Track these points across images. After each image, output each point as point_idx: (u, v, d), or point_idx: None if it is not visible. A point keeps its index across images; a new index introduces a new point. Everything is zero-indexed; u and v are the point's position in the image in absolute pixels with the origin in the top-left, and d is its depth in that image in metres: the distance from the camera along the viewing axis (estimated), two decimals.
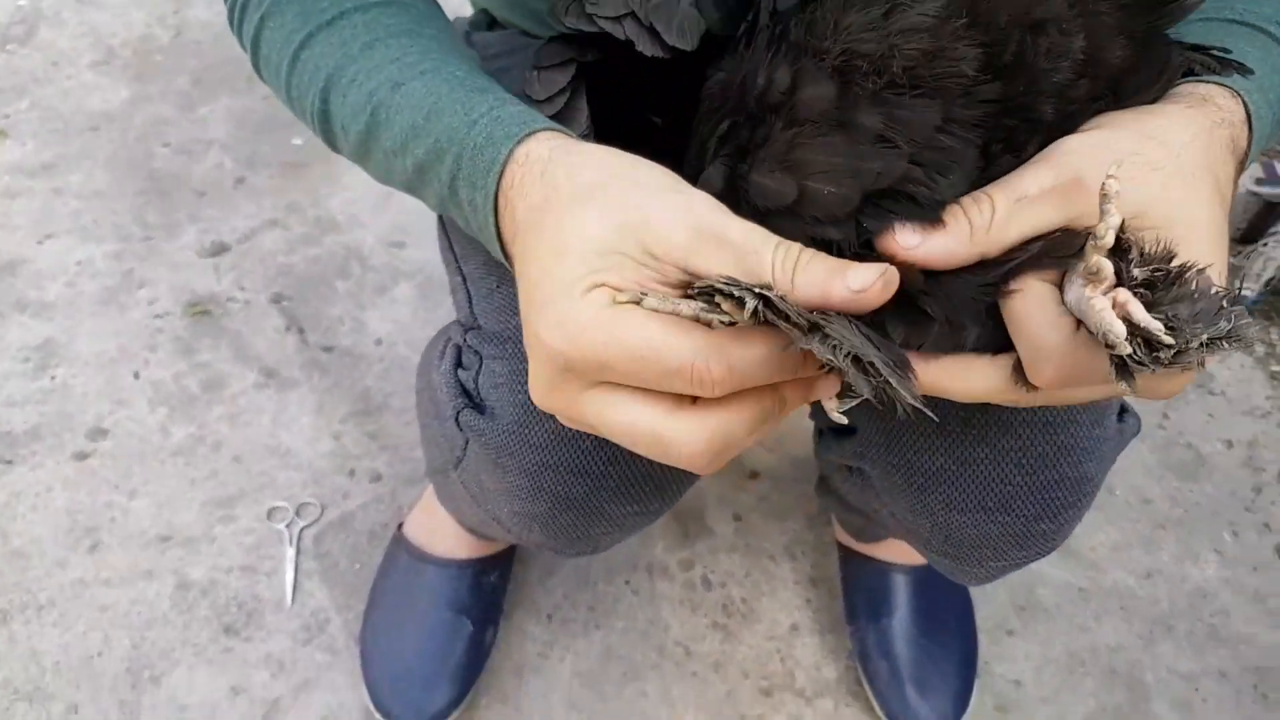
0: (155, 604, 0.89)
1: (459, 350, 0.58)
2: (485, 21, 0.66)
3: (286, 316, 1.12)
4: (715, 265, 0.33)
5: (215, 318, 1.11)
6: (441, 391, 0.56)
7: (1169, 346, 0.29)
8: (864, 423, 0.58)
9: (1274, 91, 0.45)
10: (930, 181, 0.35)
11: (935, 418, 0.39)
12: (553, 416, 0.49)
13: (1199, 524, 1.01)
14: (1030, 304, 0.34)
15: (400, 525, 0.91)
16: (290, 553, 0.93)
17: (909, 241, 0.35)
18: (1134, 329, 0.30)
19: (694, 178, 0.41)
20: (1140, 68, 0.36)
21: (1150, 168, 0.35)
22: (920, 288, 0.36)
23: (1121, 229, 0.32)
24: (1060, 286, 0.34)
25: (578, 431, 0.49)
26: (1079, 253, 0.33)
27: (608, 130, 0.43)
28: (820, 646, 0.92)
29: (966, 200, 0.35)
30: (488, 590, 0.87)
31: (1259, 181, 1.17)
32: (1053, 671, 0.91)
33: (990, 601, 0.95)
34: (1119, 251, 0.32)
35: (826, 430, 0.65)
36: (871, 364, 0.34)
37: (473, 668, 0.85)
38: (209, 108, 1.34)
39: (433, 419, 0.60)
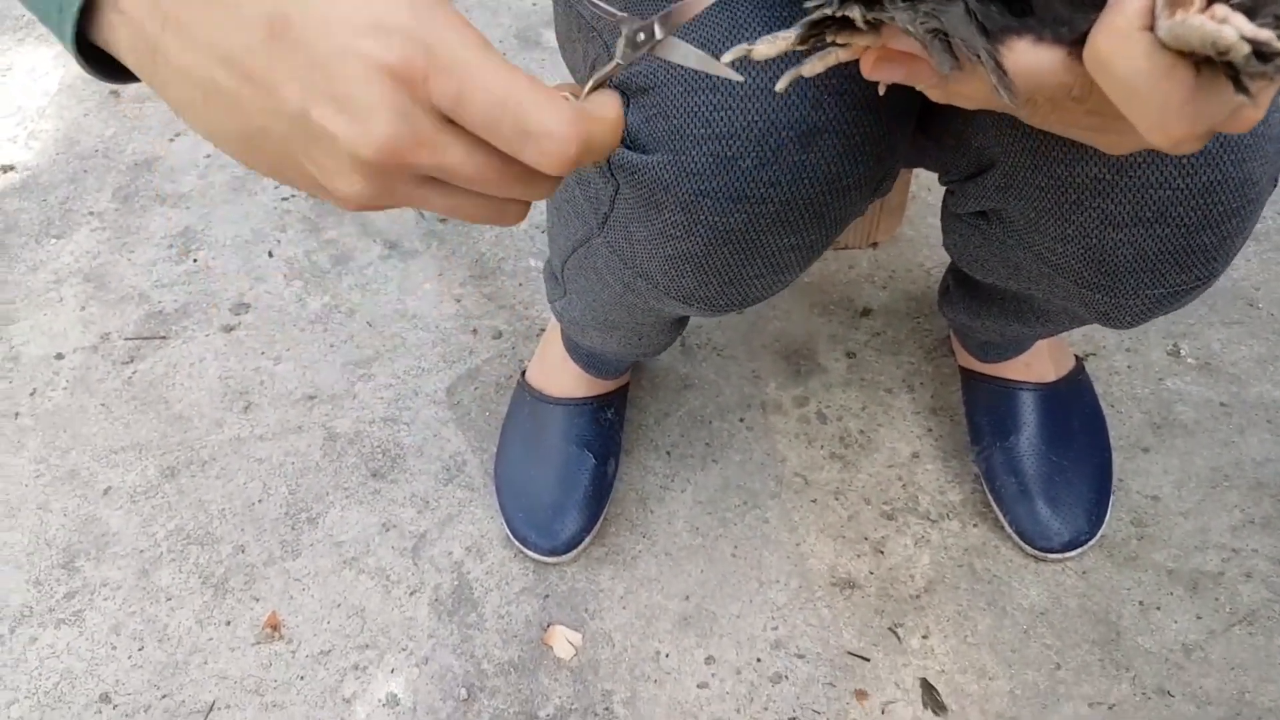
0: (307, 454, 0.96)
1: None
2: None
3: None
4: None
5: None
6: None
7: None
8: (1006, 148, 0.55)
9: None
10: None
11: (1024, 115, 0.37)
12: (713, 138, 0.49)
13: None
14: (1138, 59, 0.30)
15: (523, 374, 0.95)
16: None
17: None
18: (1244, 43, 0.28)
19: None
20: None
21: None
22: None
23: None
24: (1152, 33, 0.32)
25: (736, 154, 0.49)
26: None
27: None
28: (943, 472, 0.92)
29: None
30: (605, 425, 0.90)
31: None
32: (1193, 486, 0.88)
33: (1124, 420, 0.92)
34: None
35: (960, 182, 0.62)
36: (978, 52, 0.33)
37: (599, 498, 0.88)
38: None
39: (573, 185, 0.60)
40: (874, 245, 1.09)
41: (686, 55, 0.36)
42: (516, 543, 0.87)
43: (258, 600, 0.87)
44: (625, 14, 0.36)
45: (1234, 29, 0.28)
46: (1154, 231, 0.51)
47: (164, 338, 1.06)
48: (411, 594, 0.86)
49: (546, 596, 0.86)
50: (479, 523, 0.90)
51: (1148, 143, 0.35)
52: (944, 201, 0.68)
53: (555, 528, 0.86)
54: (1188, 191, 0.50)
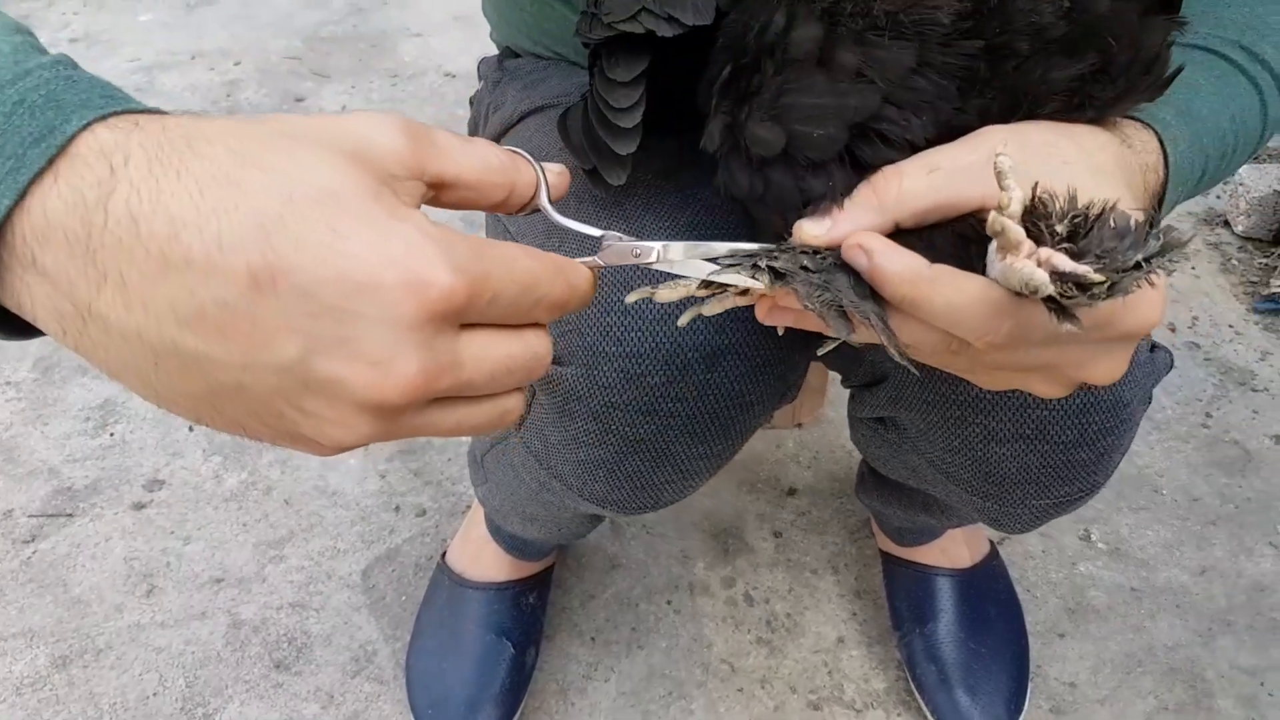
0: (209, 643, 0.91)
1: None
2: (510, 54, 0.72)
3: None
4: (451, 161, 0.31)
5: None
6: None
7: (1100, 282, 0.30)
8: (895, 364, 0.57)
9: (1212, 134, 0.43)
10: (903, 121, 0.37)
11: (917, 372, 0.39)
12: (623, 355, 0.50)
13: (1250, 519, 0.99)
14: (951, 291, 0.33)
15: (444, 555, 0.93)
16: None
17: (816, 231, 0.37)
18: (1064, 277, 0.30)
19: (701, 116, 0.43)
20: (1130, 44, 0.37)
21: (1061, 160, 0.36)
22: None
23: (1034, 196, 0.32)
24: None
25: (645, 370, 0.51)
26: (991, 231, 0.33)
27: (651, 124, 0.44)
28: (868, 658, 0.91)
29: (878, 175, 0.37)
30: (527, 611, 0.88)
31: None
32: (1109, 672, 0.89)
33: (1040, 606, 0.94)
34: (1036, 218, 0.32)
35: (858, 388, 0.66)
36: (866, 316, 0.36)
37: (516, 691, 0.85)
38: None
39: None
40: (799, 425, 1.12)
41: (700, 269, 0.37)
42: None
43: None
44: (615, 234, 0.37)
45: (1045, 273, 0.30)
46: (1035, 448, 0.54)
47: (70, 515, 1.02)
48: None
49: None
50: None
51: (1014, 384, 0.38)
52: (848, 403, 0.71)
53: None
54: (1063, 411, 0.53)
